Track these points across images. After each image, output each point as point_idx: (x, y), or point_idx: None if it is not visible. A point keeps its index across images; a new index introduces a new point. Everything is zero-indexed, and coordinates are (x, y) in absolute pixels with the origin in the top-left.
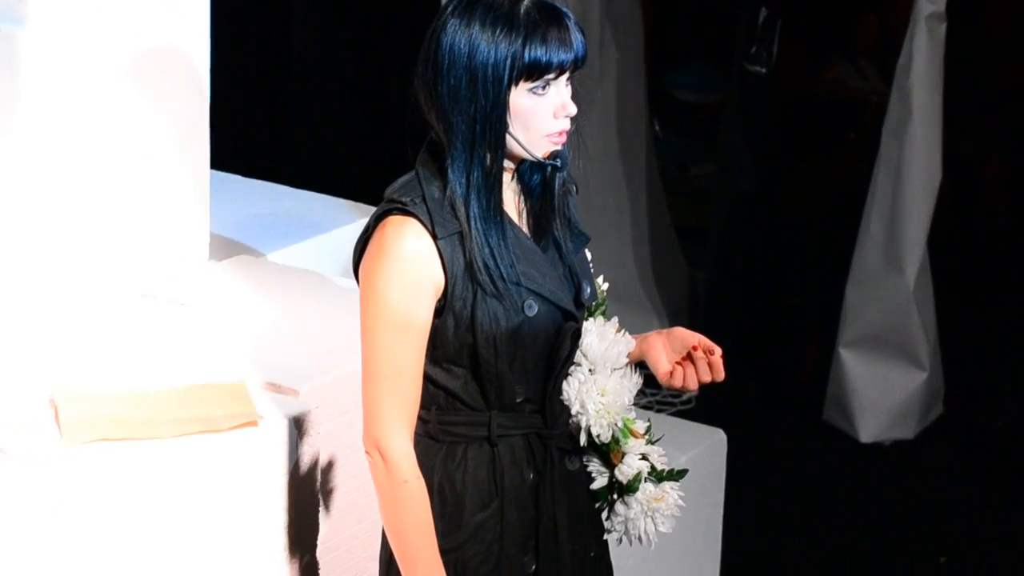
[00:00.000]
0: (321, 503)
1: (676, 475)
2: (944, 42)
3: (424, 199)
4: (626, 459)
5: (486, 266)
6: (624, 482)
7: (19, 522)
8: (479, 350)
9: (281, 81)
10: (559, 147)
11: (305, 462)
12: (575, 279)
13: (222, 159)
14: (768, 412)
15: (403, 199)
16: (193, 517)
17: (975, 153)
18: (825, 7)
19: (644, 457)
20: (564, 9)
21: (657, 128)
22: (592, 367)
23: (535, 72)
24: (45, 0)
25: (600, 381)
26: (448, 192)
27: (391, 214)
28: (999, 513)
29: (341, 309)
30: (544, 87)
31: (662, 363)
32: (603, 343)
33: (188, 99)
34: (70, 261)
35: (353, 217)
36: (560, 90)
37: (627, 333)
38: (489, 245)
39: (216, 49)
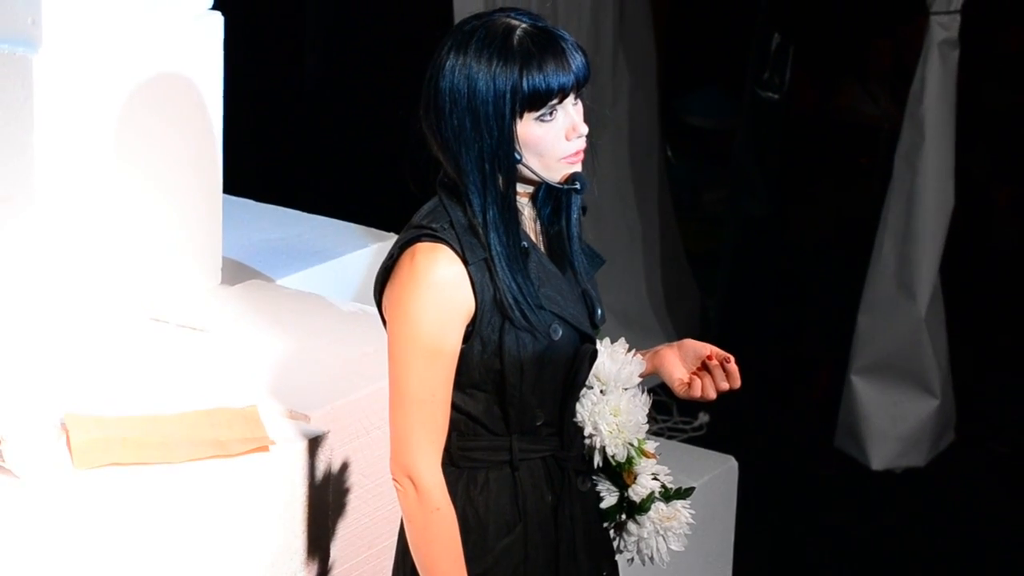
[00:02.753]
0: (332, 528)
1: (685, 493)
2: (957, 68)
3: (452, 225)
4: (639, 479)
5: (512, 296)
6: (637, 502)
7: (31, 545)
8: (506, 375)
9: (294, 107)
10: (577, 168)
11: (316, 487)
12: (589, 301)
13: (234, 184)
14: (779, 439)
15: (432, 225)
16: (204, 542)
17: (988, 179)
18: (838, 33)
19: (655, 477)
20: (559, 32)
21: (669, 153)
22: (604, 388)
23: (537, 101)
24: (59, 25)
25: (612, 401)
26: (470, 219)
27: (420, 240)
28: (1012, 540)
29: (352, 334)
30: (551, 113)
31: (677, 374)
32: (615, 364)
33: (201, 124)
34: (82, 285)
35: (365, 242)
36: (568, 112)
37: (637, 353)
38: (513, 275)
39: (229, 74)
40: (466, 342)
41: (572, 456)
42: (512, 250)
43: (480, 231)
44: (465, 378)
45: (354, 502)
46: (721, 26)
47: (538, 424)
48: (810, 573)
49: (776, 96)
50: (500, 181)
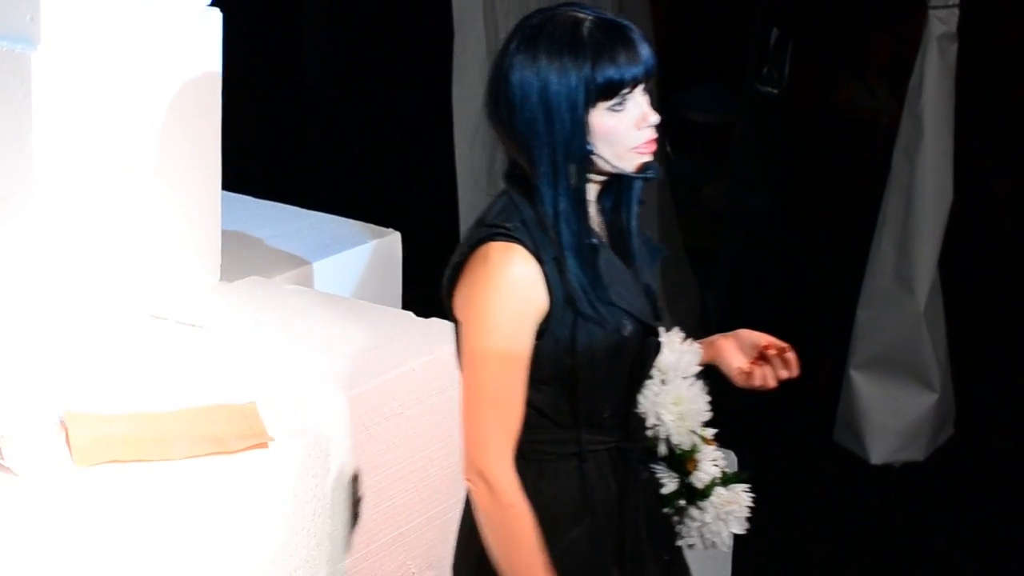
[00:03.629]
0: (331, 525)
1: (743, 477)
2: (955, 62)
3: (524, 223)
4: (701, 465)
5: (583, 290)
6: (700, 488)
7: (31, 543)
8: (577, 370)
9: (293, 103)
10: (648, 158)
11: (316, 484)
12: (650, 294)
13: (233, 181)
14: (779, 434)
15: (506, 224)
16: (204, 538)
17: (987, 172)
18: (836, 27)
19: (715, 463)
20: (626, 23)
21: (669, 149)
22: (664, 377)
23: (610, 91)
24: (57, 22)
25: (673, 391)
26: (540, 218)
27: (493, 239)
28: (1011, 534)
29: (352, 330)
30: (621, 103)
31: (735, 363)
32: (673, 353)
33: (200, 121)
34: (81, 282)
35: (364, 238)
36: (638, 101)
37: (693, 342)
38: (583, 270)
39: (228, 71)
40: (538, 339)
41: (636, 447)
42: (583, 244)
43: (550, 226)
44: (535, 373)
45: (353, 499)
46: (720, 21)
47: (604, 416)
48: (809, 566)
49: (775, 91)
50: (572, 173)
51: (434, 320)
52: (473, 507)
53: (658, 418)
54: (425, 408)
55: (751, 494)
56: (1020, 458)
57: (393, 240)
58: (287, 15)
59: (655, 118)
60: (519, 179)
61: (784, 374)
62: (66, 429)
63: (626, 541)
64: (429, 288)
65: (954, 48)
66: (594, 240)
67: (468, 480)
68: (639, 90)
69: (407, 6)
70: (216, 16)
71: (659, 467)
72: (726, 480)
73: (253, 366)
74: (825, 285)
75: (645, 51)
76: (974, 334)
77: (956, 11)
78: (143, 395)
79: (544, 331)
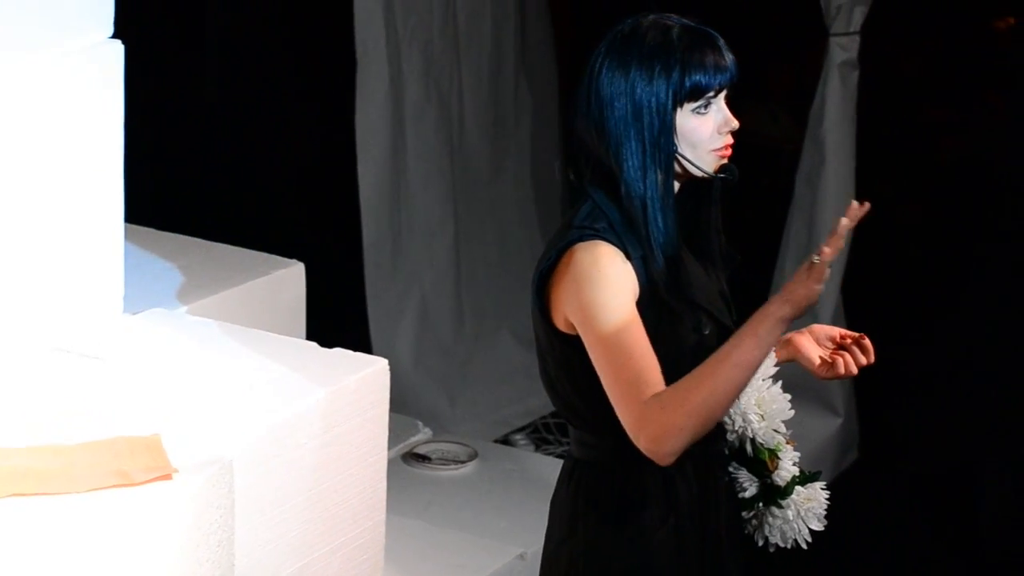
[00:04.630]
0: (237, 557)
1: (820, 476)
2: (857, 89)
3: (611, 225)
4: (781, 465)
5: (667, 287)
6: (782, 486)
7: None
8: (661, 370)
9: (194, 135)
10: (726, 161)
11: (220, 515)
12: (726, 298)
13: (136, 212)
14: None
15: (595, 226)
16: (108, 570)
17: (889, 198)
18: (739, 54)
19: (794, 462)
20: (712, 31)
21: (572, 176)
22: None
23: (697, 93)
24: None
25: (755, 393)
26: (627, 217)
27: (582, 240)
28: (914, 558)
29: (256, 361)
30: (706, 107)
31: (815, 357)
32: None
33: (101, 153)
34: None
35: (267, 269)
36: (721, 107)
37: None
38: (669, 268)
39: (130, 101)
40: None
41: (715, 450)
42: (669, 241)
43: (640, 224)
44: None
45: (259, 529)
46: None
47: None
48: None
49: None
50: (659, 171)
51: (338, 350)
52: (680, 440)
53: (744, 419)
54: (330, 438)
55: (827, 491)
56: (924, 481)
57: (296, 271)
58: (188, 46)
59: (735, 123)
60: (605, 181)
61: (863, 360)
62: None
63: (707, 544)
64: (333, 318)
65: (855, 75)
66: (676, 239)
67: (647, 442)
68: (722, 96)
69: (309, 35)
70: (118, 48)
71: (740, 471)
72: (804, 479)
73: (156, 398)
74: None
75: (730, 59)
76: (877, 359)
77: (857, 38)
78: (46, 428)
79: None
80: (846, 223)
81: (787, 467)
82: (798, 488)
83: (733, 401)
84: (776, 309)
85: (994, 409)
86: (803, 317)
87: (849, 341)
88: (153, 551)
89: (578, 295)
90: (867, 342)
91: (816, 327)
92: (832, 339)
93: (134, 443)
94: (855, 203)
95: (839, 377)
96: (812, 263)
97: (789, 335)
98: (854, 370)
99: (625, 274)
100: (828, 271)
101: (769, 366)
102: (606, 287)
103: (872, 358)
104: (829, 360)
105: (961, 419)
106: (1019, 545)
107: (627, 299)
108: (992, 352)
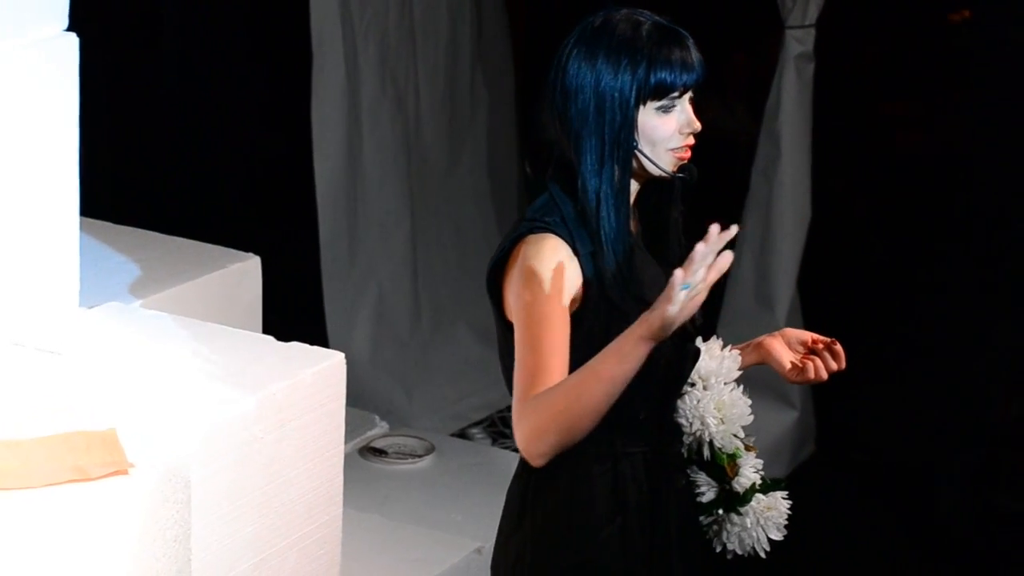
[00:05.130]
0: (194, 552)
1: (780, 484)
2: (812, 82)
3: (563, 219)
4: (741, 471)
5: (618, 285)
6: (741, 493)
7: None
8: None
9: (150, 128)
10: (686, 161)
11: (176, 510)
12: None
13: (91, 206)
14: None
15: (545, 219)
16: (63, 565)
17: (845, 191)
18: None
19: (755, 469)
20: (682, 30)
21: (528, 169)
22: (705, 383)
23: (661, 91)
24: None
25: (715, 397)
26: (580, 210)
27: (533, 232)
28: (872, 548)
29: (213, 355)
30: (670, 106)
31: (786, 361)
32: (714, 360)
33: (56, 146)
34: None
35: (224, 263)
36: (685, 108)
37: (732, 348)
38: (618, 265)
39: (85, 95)
40: (574, 332)
41: (671, 453)
42: (621, 238)
43: (592, 218)
44: (572, 370)
45: (214, 524)
46: None
47: (640, 419)
48: None
49: None
50: (616, 166)
51: (294, 344)
52: (544, 445)
53: (702, 422)
54: (286, 432)
55: (789, 501)
56: (880, 472)
57: (253, 264)
58: (145, 40)
59: (698, 126)
60: (564, 173)
61: (834, 366)
62: None
63: (655, 547)
64: (289, 312)
65: (811, 68)
66: (630, 240)
67: (524, 453)
68: (687, 96)
69: (265, 30)
70: (72, 41)
71: (699, 475)
72: (765, 487)
73: (113, 392)
74: None
75: (698, 59)
76: None
77: (813, 31)
78: (1, 423)
79: (579, 323)
80: (702, 249)
81: (747, 474)
82: (759, 496)
83: (599, 413)
84: (637, 328)
85: (949, 401)
86: (764, 318)
87: (820, 346)
88: (109, 546)
89: (516, 282)
90: (838, 347)
91: (788, 331)
92: (804, 343)
93: (90, 438)
94: (714, 228)
95: (809, 382)
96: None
97: (760, 338)
98: (824, 375)
99: (563, 271)
100: (683, 294)
101: (733, 369)
102: (537, 282)
103: (843, 364)
104: (800, 364)
105: (917, 411)
106: (974, 535)
107: (555, 296)
108: (947, 344)
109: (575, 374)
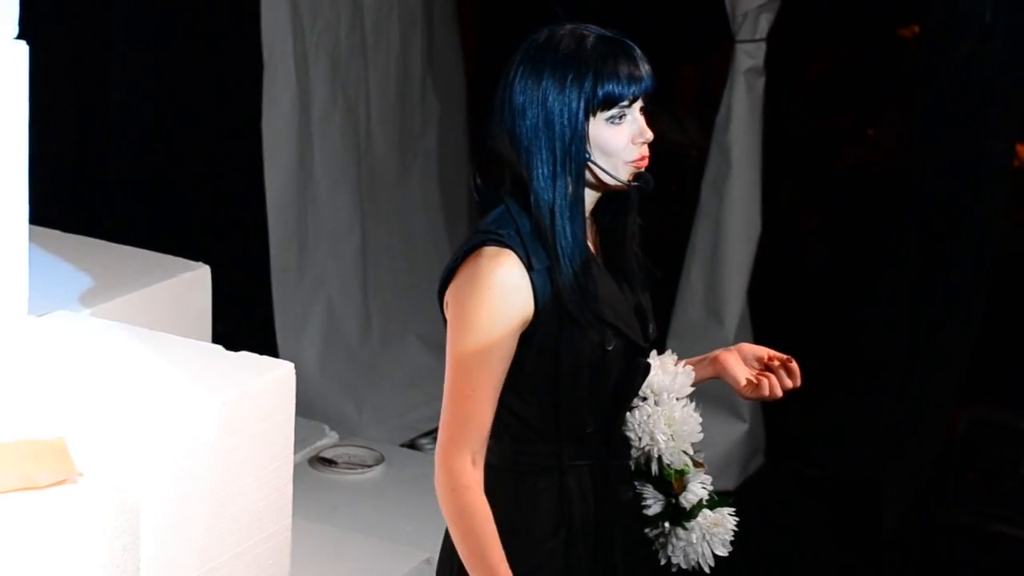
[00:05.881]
0: (142, 561)
1: (729, 501)
2: (763, 95)
3: (518, 232)
4: (689, 487)
5: (573, 299)
6: (687, 508)
7: None
8: (560, 381)
9: (100, 135)
10: (641, 170)
11: (125, 519)
12: (641, 315)
13: (40, 214)
14: None
15: (499, 231)
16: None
17: (794, 204)
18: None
19: (703, 485)
20: (628, 41)
21: (478, 180)
22: (657, 399)
23: (610, 102)
24: None
25: (666, 412)
26: (535, 225)
27: (486, 244)
28: (819, 560)
29: (161, 364)
30: (620, 117)
31: (741, 377)
32: (667, 375)
33: (5, 154)
34: None
35: (173, 272)
36: (636, 117)
37: (686, 365)
38: (575, 278)
39: (35, 103)
40: (524, 346)
41: (617, 465)
42: (575, 248)
43: (547, 232)
44: (522, 382)
45: (163, 533)
46: None
47: (587, 432)
48: None
49: None
50: (570, 179)
51: (244, 353)
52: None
53: (652, 438)
54: (235, 442)
55: (736, 518)
56: (829, 486)
57: (202, 273)
58: (94, 47)
59: (650, 135)
60: (518, 190)
61: (789, 384)
62: None
63: (599, 559)
64: (239, 322)
65: (761, 82)
66: (586, 255)
67: (437, 467)
68: (637, 106)
69: (216, 39)
70: (23, 48)
71: (645, 488)
72: (712, 503)
73: (61, 401)
74: None
75: (646, 69)
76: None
77: (763, 45)
78: None
79: (530, 338)
80: None
81: (695, 489)
82: (705, 511)
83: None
84: None
85: (896, 414)
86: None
87: (776, 363)
88: (57, 555)
89: (458, 293)
90: (794, 365)
91: (745, 346)
92: (759, 359)
93: (38, 446)
94: None
95: (763, 399)
96: None
97: (715, 352)
98: (779, 392)
99: (513, 293)
100: None
101: (685, 385)
102: (483, 302)
103: (799, 382)
104: (755, 381)
105: (864, 424)
106: (920, 549)
107: (501, 322)
108: (894, 358)
109: (486, 546)
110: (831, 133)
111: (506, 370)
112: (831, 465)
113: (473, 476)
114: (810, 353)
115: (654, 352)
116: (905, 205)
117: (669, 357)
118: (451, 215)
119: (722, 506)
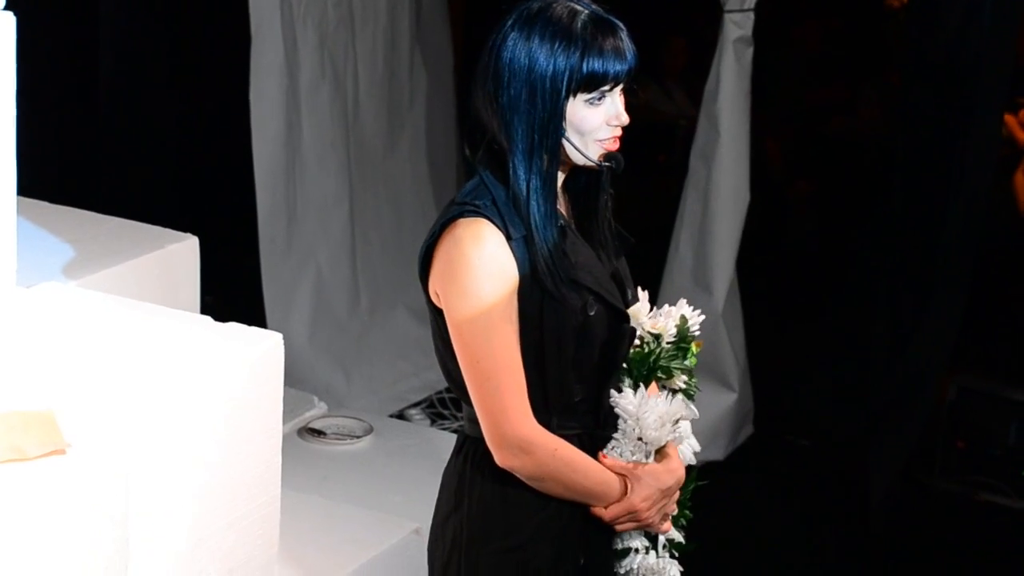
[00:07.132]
0: (131, 532)
1: (690, 548)
2: (751, 65)
3: (494, 202)
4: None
5: (548, 268)
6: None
7: None
8: (545, 349)
9: (88, 106)
10: (612, 151)
11: (116, 490)
12: (619, 281)
13: (28, 185)
14: None
15: (476, 202)
16: (2, 549)
17: (783, 174)
18: (633, 31)
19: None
20: (618, 22)
21: (467, 152)
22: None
23: (592, 84)
24: None
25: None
26: (512, 196)
27: (462, 216)
28: (809, 531)
29: (149, 335)
30: (600, 98)
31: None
32: (660, 404)
33: None
34: None
35: (161, 243)
36: (614, 100)
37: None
38: (550, 247)
39: (21, 74)
40: None
41: (605, 435)
42: (549, 218)
43: (522, 203)
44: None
45: (152, 504)
46: None
47: (576, 400)
48: None
49: None
50: (545, 154)
51: (232, 324)
52: (523, 478)
53: (638, 422)
54: (224, 413)
55: (680, 568)
56: (818, 455)
57: (190, 244)
58: (83, 18)
59: (626, 119)
60: (494, 159)
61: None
62: None
63: (590, 525)
64: (227, 292)
65: (749, 52)
66: (562, 222)
67: (505, 463)
68: (618, 89)
69: (204, 10)
70: (9, 19)
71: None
72: (676, 546)
73: (50, 373)
74: None
75: (631, 53)
76: (771, 334)
77: (751, 15)
78: None
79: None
80: None
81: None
82: (654, 554)
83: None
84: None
85: (884, 384)
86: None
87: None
88: (46, 526)
89: (444, 271)
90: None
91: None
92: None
93: (27, 418)
94: None
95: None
96: None
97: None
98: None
99: (498, 259)
100: None
101: (682, 412)
102: (471, 272)
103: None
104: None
105: (853, 393)
106: (908, 516)
107: (494, 286)
108: (882, 327)
109: (587, 467)
110: (820, 103)
111: (516, 332)
112: (820, 434)
113: (550, 436)
114: (798, 322)
115: (644, 294)
116: (893, 176)
117: (644, 304)
118: (439, 186)
119: (686, 551)
